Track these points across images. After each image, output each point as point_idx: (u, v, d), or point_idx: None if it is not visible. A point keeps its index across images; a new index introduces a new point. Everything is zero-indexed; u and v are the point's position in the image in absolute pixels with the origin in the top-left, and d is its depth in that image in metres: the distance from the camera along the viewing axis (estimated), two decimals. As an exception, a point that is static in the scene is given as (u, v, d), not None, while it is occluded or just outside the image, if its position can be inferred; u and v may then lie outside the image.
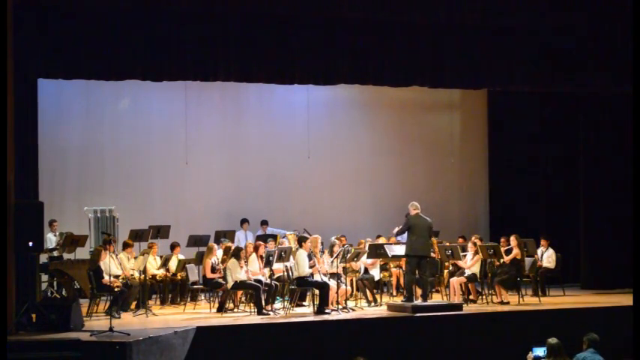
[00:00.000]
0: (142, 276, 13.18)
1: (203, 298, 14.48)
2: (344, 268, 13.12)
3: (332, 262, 13.23)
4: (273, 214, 16.77)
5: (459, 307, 12.75)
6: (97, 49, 12.95)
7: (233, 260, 12.69)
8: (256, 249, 13.32)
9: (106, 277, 12.40)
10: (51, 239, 14.32)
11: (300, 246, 12.73)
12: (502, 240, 14.41)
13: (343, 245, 13.60)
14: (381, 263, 14.13)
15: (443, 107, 18.59)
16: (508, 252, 13.82)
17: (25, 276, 11.79)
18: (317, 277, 12.73)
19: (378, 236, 15.16)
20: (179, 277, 14.16)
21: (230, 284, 12.68)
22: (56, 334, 10.75)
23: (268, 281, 13.04)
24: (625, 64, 14.11)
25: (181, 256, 14.41)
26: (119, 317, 12.30)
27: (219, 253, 13.54)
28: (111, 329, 10.50)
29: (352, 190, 17.75)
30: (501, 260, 13.73)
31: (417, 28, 14.28)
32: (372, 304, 13.72)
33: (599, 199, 16.33)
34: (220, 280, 13.05)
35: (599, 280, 16.06)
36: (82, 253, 13.99)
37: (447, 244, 14.23)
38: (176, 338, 10.74)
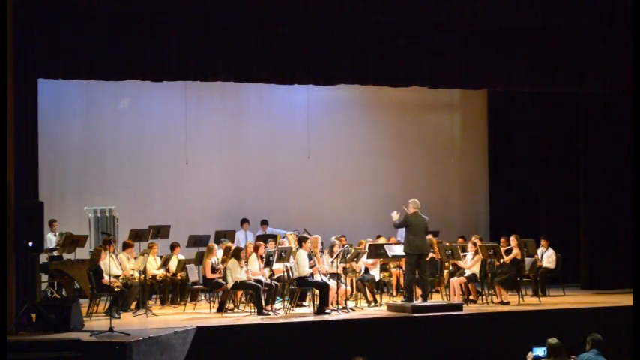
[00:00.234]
0: (142, 276, 13.18)
1: (203, 298, 14.48)
2: (344, 268, 13.13)
3: (332, 262, 13.24)
4: (273, 214, 16.78)
5: (459, 307, 12.75)
6: (97, 49, 12.93)
7: (233, 260, 12.69)
8: (256, 249, 13.33)
9: (106, 277, 12.40)
10: (51, 239, 14.32)
11: (300, 246, 12.73)
12: (502, 240, 14.40)
13: (343, 245, 13.61)
14: (381, 263, 14.14)
15: (443, 107, 18.59)
16: (508, 252, 13.82)
17: (25, 276, 11.81)
18: (317, 277, 12.73)
19: (378, 236, 15.17)
20: (179, 277, 14.16)
21: (230, 284, 12.68)
22: (56, 334, 10.75)
23: (268, 281, 13.05)
24: (625, 64, 14.11)
25: (181, 256, 14.42)
26: (119, 317, 12.29)
27: (219, 253, 13.54)
28: (111, 329, 10.50)
29: (352, 190, 17.76)
30: (501, 260, 13.73)
31: (417, 28, 14.27)
32: (372, 304, 13.72)
33: (599, 199, 16.33)
34: (220, 280, 13.06)
35: (599, 280, 16.05)
36: (82, 253, 14.00)
37: (447, 244, 14.24)
38: (176, 338, 10.74)
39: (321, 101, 17.61)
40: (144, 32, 13.16)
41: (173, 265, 14.15)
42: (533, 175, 17.93)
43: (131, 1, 12.99)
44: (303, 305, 13.64)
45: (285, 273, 13.04)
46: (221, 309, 13.01)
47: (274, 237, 15.16)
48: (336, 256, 13.10)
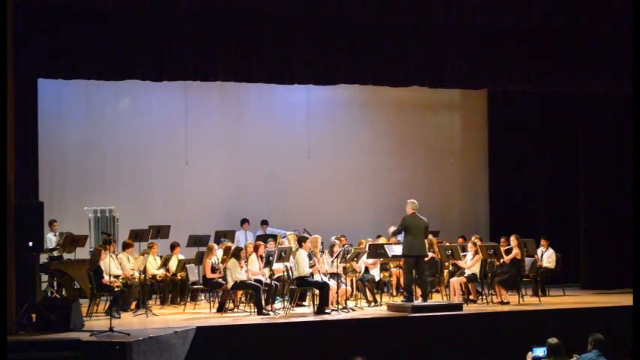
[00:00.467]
0: (142, 276, 13.18)
1: (203, 298, 14.47)
2: (344, 268, 13.13)
3: (332, 262, 13.24)
4: (273, 214, 16.78)
5: (458, 307, 12.75)
6: (97, 49, 12.93)
7: (233, 260, 12.69)
8: (256, 249, 13.33)
9: (106, 277, 12.41)
10: (51, 239, 14.32)
11: (300, 246, 12.73)
12: (502, 240, 14.40)
13: (343, 245, 13.61)
14: (381, 263, 14.14)
15: (443, 107, 18.58)
16: (508, 252, 13.82)
17: (25, 276, 11.81)
18: (317, 277, 12.73)
19: (378, 236, 15.15)
20: (179, 277, 14.16)
21: (230, 284, 12.68)
22: (56, 334, 10.75)
23: (268, 281, 13.05)
24: (625, 64, 14.11)
25: (181, 256, 14.42)
26: (119, 317, 12.29)
27: (219, 253, 13.54)
28: (111, 329, 10.50)
29: (352, 190, 17.75)
30: (501, 260, 13.73)
31: (417, 28, 14.28)
32: (372, 304, 13.72)
33: (599, 199, 16.33)
34: (220, 280, 13.05)
35: (599, 280, 16.05)
36: (82, 253, 14.00)
37: (447, 244, 14.24)
38: (176, 338, 10.74)
39: (321, 101, 17.61)
40: (144, 32, 13.16)
41: (173, 265, 14.15)
42: (533, 175, 17.93)
43: (131, 1, 13.00)
44: (303, 305, 13.64)
45: (285, 273, 13.05)
46: (221, 309, 13.01)
47: (274, 237, 15.16)
48: (336, 256, 13.10)
